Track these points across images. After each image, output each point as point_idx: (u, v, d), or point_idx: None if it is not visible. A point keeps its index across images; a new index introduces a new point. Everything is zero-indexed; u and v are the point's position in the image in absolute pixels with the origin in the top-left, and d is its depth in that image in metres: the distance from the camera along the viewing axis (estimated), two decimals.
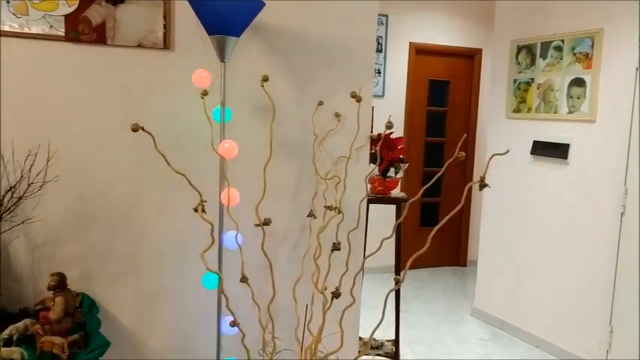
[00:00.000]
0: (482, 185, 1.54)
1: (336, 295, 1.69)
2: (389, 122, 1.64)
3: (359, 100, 1.95)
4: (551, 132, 3.86)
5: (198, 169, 1.82)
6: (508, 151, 1.55)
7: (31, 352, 1.65)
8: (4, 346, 1.64)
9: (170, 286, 2.23)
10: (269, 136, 2.18)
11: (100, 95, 2.04)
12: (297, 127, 2.30)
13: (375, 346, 2.97)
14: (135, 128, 1.54)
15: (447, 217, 1.61)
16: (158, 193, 2.16)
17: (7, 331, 1.70)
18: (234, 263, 2.05)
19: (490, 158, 1.54)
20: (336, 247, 1.87)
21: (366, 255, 1.70)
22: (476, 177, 6.04)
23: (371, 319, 2.75)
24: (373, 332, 1.85)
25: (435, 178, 1.62)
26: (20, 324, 1.75)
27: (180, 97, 2.11)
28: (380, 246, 1.71)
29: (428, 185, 1.67)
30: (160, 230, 2.18)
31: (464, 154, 1.52)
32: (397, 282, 1.71)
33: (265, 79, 1.94)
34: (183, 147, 1.93)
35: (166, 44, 2.08)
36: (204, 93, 1.89)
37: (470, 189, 5.98)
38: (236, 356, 2.21)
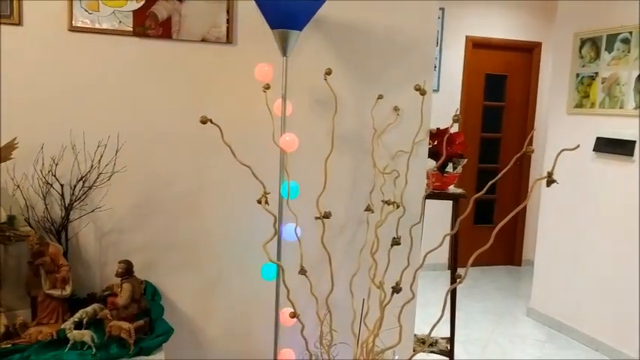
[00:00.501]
0: (550, 181, 1.50)
1: (396, 289, 1.68)
2: (456, 115, 1.61)
3: (423, 93, 1.93)
4: (617, 128, 3.70)
5: (259, 161, 1.85)
6: (578, 146, 1.51)
7: (100, 336, 1.71)
8: (74, 329, 1.71)
9: (229, 276, 2.27)
10: (328, 130, 2.19)
11: (164, 89, 2.09)
12: (355, 120, 2.29)
13: (429, 343, 2.94)
14: (203, 120, 1.57)
15: (513, 213, 1.58)
16: (219, 185, 2.20)
17: (77, 315, 1.77)
18: (291, 255, 2.07)
19: (559, 153, 1.49)
20: (396, 241, 1.86)
21: (428, 250, 1.68)
22: (533, 174, 5.87)
23: (422, 316, 2.73)
24: (432, 328, 1.82)
25: (502, 172, 1.58)
26: (89, 308, 1.82)
27: (243, 91, 2.14)
28: (442, 242, 1.68)
29: (494, 180, 1.63)
30: (220, 222, 2.23)
31: (533, 148, 1.47)
32: (458, 278, 1.68)
33: (328, 72, 1.94)
34: (245, 140, 1.96)
35: (229, 39, 2.11)
36: (267, 87, 1.91)
37: (528, 185, 5.83)
38: (292, 347, 2.23)
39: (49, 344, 1.69)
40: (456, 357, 3.24)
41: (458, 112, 1.73)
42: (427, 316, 2.67)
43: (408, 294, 1.97)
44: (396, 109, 2.32)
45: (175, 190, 2.15)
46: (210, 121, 1.59)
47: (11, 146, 1.80)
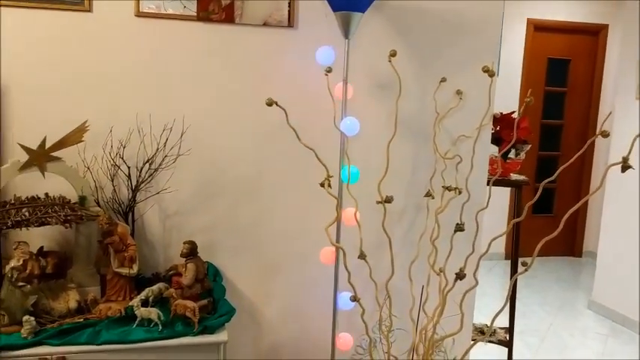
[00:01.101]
0: (626, 167, 1.43)
1: (460, 276, 1.65)
2: (529, 97, 1.55)
3: (492, 74, 1.87)
4: None
5: (319, 145, 1.84)
6: None
7: (165, 314, 1.76)
8: (141, 306, 1.76)
9: (288, 259, 2.29)
10: (389, 114, 2.17)
11: (227, 73, 2.11)
12: (416, 104, 2.25)
13: (487, 332, 2.88)
14: (269, 103, 1.58)
15: (583, 200, 1.52)
16: (279, 169, 2.21)
17: (143, 293, 1.82)
18: (348, 240, 2.06)
19: (636, 138, 1.42)
20: (460, 227, 1.82)
21: (493, 237, 1.64)
22: (597, 161, 5.64)
23: (477, 305, 2.67)
24: (495, 317, 1.78)
25: (575, 157, 1.51)
26: (155, 287, 1.87)
27: (304, 75, 2.14)
28: (508, 229, 1.64)
29: (566, 165, 1.56)
30: (280, 205, 2.24)
31: (608, 132, 1.41)
32: (524, 266, 1.63)
33: (393, 54, 1.91)
34: (306, 124, 1.96)
35: (290, 22, 2.11)
36: (329, 70, 1.90)
37: (591, 174, 5.61)
38: (349, 332, 2.23)
39: (117, 320, 1.75)
40: (514, 348, 3.17)
41: (530, 96, 1.66)
42: (482, 306, 2.62)
43: (469, 281, 1.93)
44: (458, 92, 2.27)
45: (237, 173, 2.18)
46: (276, 103, 1.60)
47: (82, 129, 1.86)
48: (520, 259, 1.84)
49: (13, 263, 1.67)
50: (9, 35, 1.92)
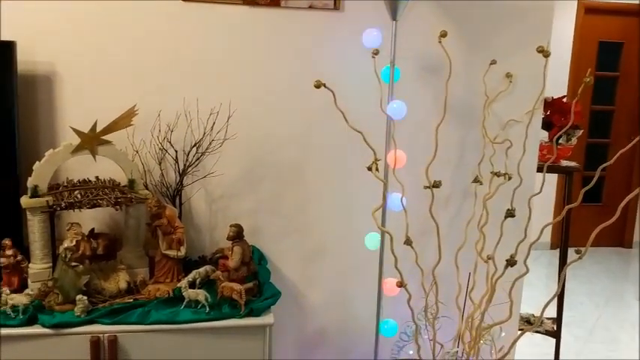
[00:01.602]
0: None
1: (511, 263, 1.61)
2: (587, 77, 1.49)
3: (547, 55, 1.81)
4: None
5: (365, 129, 1.82)
6: None
7: (212, 296, 1.77)
8: (188, 288, 1.78)
9: (332, 244, 2.29)
10: (435, 97, 2.13)
11: (273, 56, 2.10)
12: (464, 88, 2.20)
13: (534, 322, 2.82)
14: (318, 85, 1.57)
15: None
16: (323, 153, 2.20)
17: (191, 275, 1.84)
18: (394, 226, 2.03)
19: None
20: (510, 213, 1.77)
21: (546, 224, 1.60)
22: None
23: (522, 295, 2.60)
24: (545, 306, 1.74)
25: (632, 143, 1.45)
26: (202, 269, 1.89)
27: (350, 57, 2.11)
28: (562, 215, 1.59)
29: (622, 151, 1.49)
30: (325, 189, 2.24)
31: None
32: (578, 254, 1.59)
33: (444, 34, 1.86)
34: (352, 107, 1.93)
35: (336, 5, 2.08)
36: (375, 52, 1.87)
37: None
38: (393, 318, 2.22)
39: (166, 301, 1.78)
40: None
41: (589, 75, 1.59)
42: (527, 296, 2.55)
43: (518, 269, 1.89)
44: (508, 75, 2.20)
45: (282, 157, 2.18)
46: (324, 85, 1.58)
47: (131, 113, 1.88)
48: (570, 248, 1.79)
49: (66, 244, 1.71)
50: (59, 22, 1.96)
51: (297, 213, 2.24)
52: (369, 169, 1.66)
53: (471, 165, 2.25)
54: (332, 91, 1.61)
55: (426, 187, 1.83)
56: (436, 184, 1.79)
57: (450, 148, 2.24)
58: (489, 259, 2.08)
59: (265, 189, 2.20)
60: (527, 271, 1.74)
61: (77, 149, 1.81)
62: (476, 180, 2.19)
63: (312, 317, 2.34)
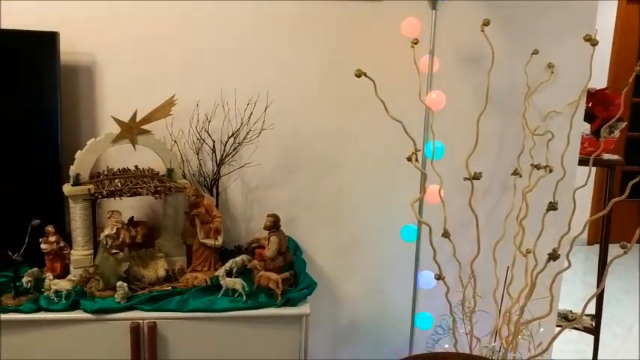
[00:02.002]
0: None
1: (553, 257, 1.58)
2: (638, 67, 1.44)
3: (594, 43, 1.75)
4: None
5: (403, 119, 1.80)
6: None
7: (247, 285, 1.78)
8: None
9: (367, 236, 2.27)
10: (475, 87, 2.09)
11: (311, 46, 2.09)
12: (505, 78, 2.15)
13: (571, 319, 2.77)
14: (359, 74, 1.55)
15: None
16: (360, 143, 2.19)
17: (227, 264, 1.85)
18: (430, 218, 2.01)
19: None
20: (552, 206, 1.73)
21: (590, 218, 1.56)
22: None
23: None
24: (587, 303, 1.71)
25: None
26: (238, 259, 1.90)
27: (388, 47, 2.09)
28: (608, 209, 1.54)
29: None
30: (360, 181, 2.22)
31: None
32: (623, 248, 1.54)
33: (486, 23, 1.82)
34: (390, 97, 1.91)
35: None
36: (415, 41, 1.84)
37: None
38: (427, 310, 2.20)
39: (203, 289, 1.79)
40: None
41: (639, 65, 1.53)
42: (563, 292, 2.50)
43: (559, 263, 1.85)
44: (550, 65, 2.15)
45: (318, 147, 2.17)
46: (365, 74, 1.57)
47: (171, 103, 1.90)
48: (612, 244, 1.73)
49: (107, 231, 1.74)
50: (99, 13, 1.98)
51: (332, 204, 2.23)
52: (409, 159, 1.64)
53: (510, 157, 2.21)
54: (372, 80, 1.59)
55: (466, 179, 1.80)
56: (476, 176, 1.76)
57: (488, 140, 2.20)
58: (529, 252, 2.05)
59: (301, 180, 2.20)
60: (570, 265, 1.71)
61: (118, 138, 1.84)
62: (515, 172, 2.14)
63: (347, 309, 2.33)
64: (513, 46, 2.13)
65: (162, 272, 1.84)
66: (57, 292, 1.68)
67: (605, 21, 4.98)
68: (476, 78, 2.11)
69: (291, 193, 2.20)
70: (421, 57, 1.99)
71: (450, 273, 1.99)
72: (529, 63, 2.12)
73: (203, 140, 2.05)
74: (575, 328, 2.78)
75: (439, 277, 1.72)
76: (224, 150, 2.03)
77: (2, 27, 1.84)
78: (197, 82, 2.05)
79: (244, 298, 1.74)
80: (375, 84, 1.62)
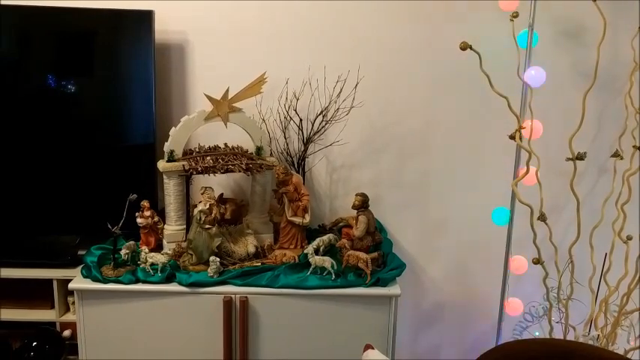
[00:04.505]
0: None
1: None
2: None
3: None
4: None
5: (499, 97, 1.71)
6: None
7: (337, 264, 1.77)
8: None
9: (454, 218, 2.22)
10: (573, 63, 2.00)
11: (400, 23, 2.04)
12: (607, 53, 2.00)
13: None
14: (464, 47, 1.49)
15: None
16: (448, 124, 2.13)
17: (315, 243, 1.85)
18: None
19: None
20: None
21: None
22: None
23: None
24: None
25: None
26: (325, 237, 1.89)
27: (483, 22, 2.00)
28: None
29: None
30: (448, 162, 2.16)
31: None
32: None
33: None
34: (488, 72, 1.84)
35: None
36: (515, 15, 1.75)
37: None
38: (519, 297, 2.12)
39: (293, 266, 1.80)
40: None
41: None
42: None
43: None
44: None
45: (406, 127, 2.13)
46: (470, 47, 1.50)
47: (261, 80, 1.90)
48: None
49: (200, 207, 1.77)
50: None
51: (418, 185, 2.19)
52: (512, 137, 1.57)
53: (611, 138, 2.08)
54: (478, 53, 1.52)
55: (568, 159, 1.71)
56: (580, 156, 1.66)
57: (586, 119, 2.07)
58: (629, 239, 1.93)
59: (386, 159, 2.16)
60: None
61: (210, 116, 1.86)
62: (616, 154, 2.02)
63: (431, 291, 2.29)
64: (619, 19, 2.00)
65: (252, 248, 1.86)
66: (153, 265, 1.74)
67: None
68: (574, 53, 2.01)
69: (377, 172, 2.17)
70: (520, 31, 1.89)
71: (544, 258, 1.91)
72: (636, 37, 1.98)
73: (290, 118, 2.04)
74: None
75: (537, 261, 1.65)
76: (312, 128, 2.02)
77: (100, 7, 1.88)
78: (287, 59, 2.04)
79: (333, 276, 1.74)
80: (480, 57, 1.55)
